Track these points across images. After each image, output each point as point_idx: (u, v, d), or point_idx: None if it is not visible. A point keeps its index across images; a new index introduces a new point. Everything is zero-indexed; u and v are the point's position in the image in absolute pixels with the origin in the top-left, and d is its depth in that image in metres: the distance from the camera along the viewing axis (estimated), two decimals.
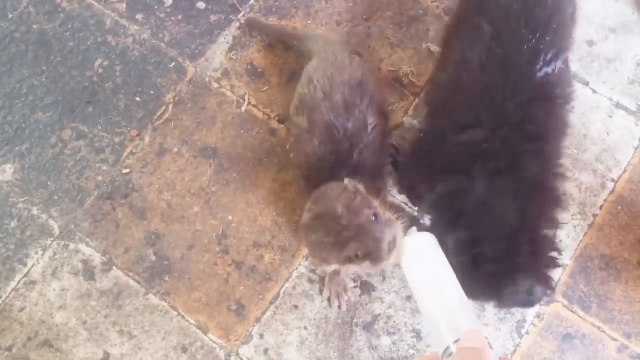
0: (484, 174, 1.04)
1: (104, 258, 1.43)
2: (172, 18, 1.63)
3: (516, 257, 1.03)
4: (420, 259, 1.01)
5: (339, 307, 1.37)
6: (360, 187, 1.04)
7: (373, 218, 1.00)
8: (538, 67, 1.07)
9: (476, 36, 1.13)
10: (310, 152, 1.22)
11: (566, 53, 1.13)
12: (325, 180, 1.10)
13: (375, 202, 1.03)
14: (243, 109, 1.54)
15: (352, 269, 1.11)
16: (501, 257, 1.02)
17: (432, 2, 1.62)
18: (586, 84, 1.53)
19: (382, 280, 1.39)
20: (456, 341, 0.81)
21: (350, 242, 1.00)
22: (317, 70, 1.30)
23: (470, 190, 1.04)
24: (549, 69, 1.08)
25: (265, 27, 1.59)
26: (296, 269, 1.41)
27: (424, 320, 1.08)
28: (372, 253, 0.99)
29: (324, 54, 1.36)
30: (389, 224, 1.01)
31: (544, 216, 1.08)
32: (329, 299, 1.37)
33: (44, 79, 1.58)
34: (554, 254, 1.09)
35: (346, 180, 1.05)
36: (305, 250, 1.42)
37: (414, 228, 1.05)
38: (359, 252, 1.00)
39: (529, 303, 1.08)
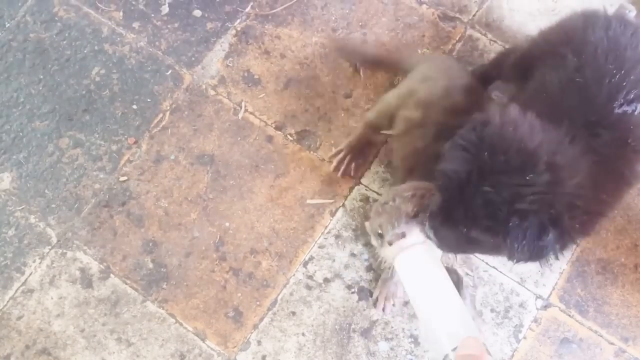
0: None
1: (101, 266, 1.43)
2: (168, 26, 1.64)
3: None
4: (417, 269, 1.03)
5: (383, 309, 1.37)
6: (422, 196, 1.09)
7: (411, 212, 1.07)
8: (618, 103, 1.07)
9: (559, 65, 1.14)
10: (421, 148, 1.22)
11: None
12: (427, 176, 1.12)
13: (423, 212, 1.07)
14: (240, 116, 1.55)
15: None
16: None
17: (427, 8, 1.63)
18: None
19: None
20: (454, 349, 0.81)
21: (379, 217, 1.10)
22: (435, 71, 1.32)
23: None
24: (628, 109, 1.07)
25: (355, 53, 1.57)
26: (294, 275, 1.41)
27: (422, 328, 1.08)
28: (382, 236, 1.09)
29: (439, 60, 1.41)
30: (412, 224, 1.06)
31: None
32: (377, 299, 1.37)
33: (41, 88, 1.58)
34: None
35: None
36: (302, 257, 1.42)
37: (413, 236, 1.06)
38: (374, 230, 1.12)
39: (538, 251, 0.96)
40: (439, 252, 1.09)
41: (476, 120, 1.02)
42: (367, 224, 1.19)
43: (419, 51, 1.58)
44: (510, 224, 0.93)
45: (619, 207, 1.18)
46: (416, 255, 1.05)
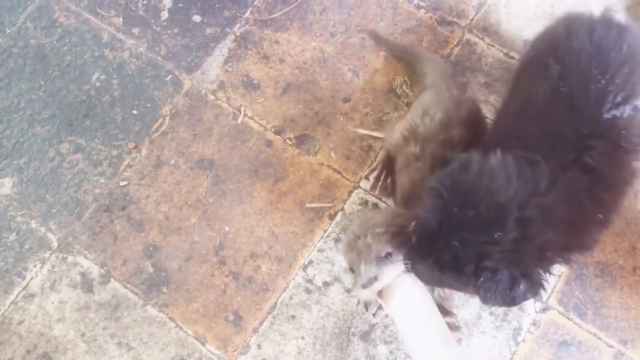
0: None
1: (102, 270, 1.44)
2: (168, 31, 1.65)
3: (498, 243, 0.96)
4: (408, 310, 1.06)
5: (374, 315, 1.37)
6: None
7: (382, 254, 1.08)
8: (606, 108, 1.06)
9: (544, 75, 1.13)
10: (418, 180, 1.25)
11: (637, 100, 1.10)
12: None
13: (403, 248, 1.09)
14: (239, 120, 1.55)
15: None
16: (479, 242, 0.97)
17: (425, 13, 1.64)
18: None
19: None
20: None
21: (350, 252, 1.12)
22: (433, 104, 1.33)
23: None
24: (617, 112, 1.07)
25: (386, 43, 1.60)
26: (293, 279, 1.42)
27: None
28: (354, 272, 1.12)
29: (439, 88, 1.39)
30: (383, 265, 1.08)
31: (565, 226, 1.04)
32: (370, 304, 1.36)
33: (42, 94, 1.59)
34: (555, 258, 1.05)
35: (412, 223, 1.10)
36: (302, 261, 1.43)
37: (384, 279, 1.09)
38: (347, 263, 1.15)
39: (511, 300, 0.99)
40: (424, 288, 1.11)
41: (455, 165, 1.04)
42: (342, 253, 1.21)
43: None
44: (482, 278, 0.96)
45: (620, 209, 1.18)
46: (406, 296, 1.08)
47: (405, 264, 1.07)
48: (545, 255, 1.01)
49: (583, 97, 1.07)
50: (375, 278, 1.08)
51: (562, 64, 1.11)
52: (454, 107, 1.30)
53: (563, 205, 1.00)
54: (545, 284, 1.02)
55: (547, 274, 1.03)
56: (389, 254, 1.09)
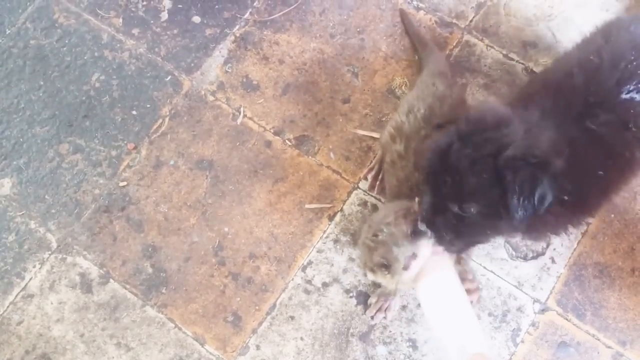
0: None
1: (101, 271, 1.44)
2: (168, 32, 1.65)
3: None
4: (436, 285, 1.06)
5: (372, 317, 1.37)
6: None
7: (408, 232, 1.08)
8: (627, 88, 1.08)
9: (584, 45, 1.18)
10: (402, 178, 1.25)
11: None
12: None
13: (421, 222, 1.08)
14: (239, 121, 1.56)
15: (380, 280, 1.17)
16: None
17: (425, 14, 1.64)
18: None
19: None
20: None
21: (376, 251, 1.12)
22: (418, 100, 1.33)
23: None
24: (637, 96, 1.09)
25: (409, 24, 1.61)
26: (292, 279, 1.42)
27: (437, 338, 1.10)
28: (389, 266, 1.11)
29: (425, 84, 1.39)
30: (416, 240, 1.08)
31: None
32: (370, 305, 1.38)
33: (41, 94, 1.59)
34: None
35: (416, 200, 1.11)
36: (301, 261, 1.43)
37: (424, 251, 1.09)
38: (377, 263, 1.12)
39: (539, 199, 0.97)
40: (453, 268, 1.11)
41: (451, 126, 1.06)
42: (358, 261, 1.20)
43: (416, 57, 1.59)
44: (506, 178, 0.95)
45: (621, 189, 1.18)
46: (440, 281, 1.08)
47: (421, 226, 1.07)
48: (558, 150, 1.00)
49: (609, 71, 1.09)
50: (414, 255, 1.08)
51: (607, 39, 1.14)
52: (438, 103, 1.30)
53: (563, 142, 1.02)
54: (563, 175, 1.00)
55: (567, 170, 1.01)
56: (412, 232, 1.09)
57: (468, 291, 1.30)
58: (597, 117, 1.06)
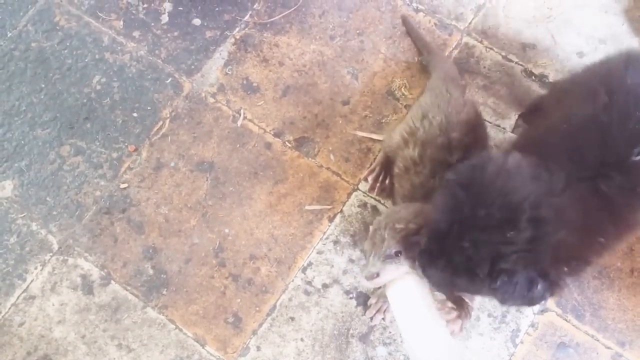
0: None
1: (102, 272, 1.44)
2: (168, 35, 1.66)
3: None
4: (406, 300, 1.07)
5: (371, 319, 1.38)
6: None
7: (393, 254, 1.11)
8: (637, 150, 1.05)
9: (590, 100, 1.12)
10: (418, 184, 1.26)
11: None
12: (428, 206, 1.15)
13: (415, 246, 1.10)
14: (239, 123, 1.56)
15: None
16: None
17: (424, 16, 1.64)
18: None
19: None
20: None
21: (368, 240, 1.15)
22: (433, 106, 1.33)
23: None
24: None
25: (411, 28, 1.62)
26: (292, 281, 1.42)
27: (409, 355, 1.11)
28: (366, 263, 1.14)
29: (438, 90, 1.38)
30: (393, 264, 1.11)
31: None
32: (370, 307, 1.39)
33: (42, 97, 1.60)
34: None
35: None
36: (301, 262, 1.44)
37: (384, 278, 1.11)
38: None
39: (529, 300, 0.98)
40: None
41: (475, 161, 1.04)
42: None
43: (416, 59, 1.60)
44: (498, 281, 0.95)
45: (617, 249, 1.19)
46: (406, 286, 1.09)
47: (416, 268, 1.08)
48: (559, 256, 0.99)
49: (619, 132, 1.06)
50: (377, 274, 1.10)
51: (611, 96, 1.10)
52: (454, 110, 1.31)
53: (573, 210, 1.00)
54: (562, 284, 1.01)
55: (566, 271, 1.02)
56: (398, 253, 1.10)
57: (448, 321, 1.30)
58: (611, 180, 1.04)
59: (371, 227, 1.17)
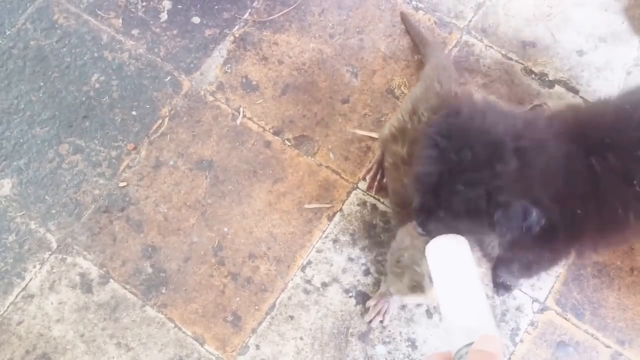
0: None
1: (101, 271, 1.44)
2: (167, 33, 1.65)
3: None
4: (447, 259, 1.01)
5: (370, 322, 1.37)
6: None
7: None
8: (636, 181, 1.05)
9: (625, 94, 1.15)
10: (407, 184, 1.20)
11: None
12: None
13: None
14: (238, 121, 1.56)
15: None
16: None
17: (423, 14, 1.64)
18: (576, 92, 1.55)
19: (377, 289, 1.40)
20: (471, 344, 0.79)
21: (403, 276, 1.14)
22: (422, 101, 1.28)
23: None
24: None
25: (409, 23, 1.60)
26: (292, 279, 1.42)
27: (442, 320, 1.07)
28: (419, 285, 1.12)
29: (429, 82, 1.33)
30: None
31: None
32: (369, 308, 1.38)
33: (41, 95, 1.60)
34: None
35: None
36: (300, 261, 1.43)
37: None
38: (409, 286, 1.14)
39: (527, 229, 0.98)
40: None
41: (448, 110, 1.05)
42: (392, 289, 1.20)
43: (416, 57, 1.59)
44: (496, 215, 0.96)
45: (603, 247, 1.18)
46: (449, 242, 1.04)
47: (417, 227, 1.06)
48: (550, 182, 0.99)
49: (637, 124, 1.06)
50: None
51: (631, 109, 1.10)
52: (442, 103, 1.26)
53: (557, 144, 1.01)
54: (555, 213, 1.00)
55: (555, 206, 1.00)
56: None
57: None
58: (604, 159, 1.03)
59: (389, 271, 1.18)
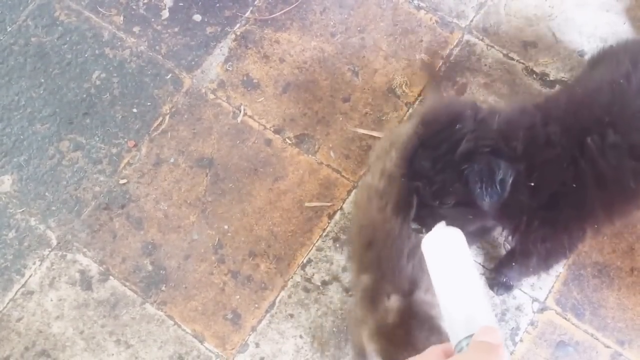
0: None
1: (101, 268, 1.44)
2: (168, 30, 1.65)
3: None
4: (444, 251, 1.00)
5: None
6: None
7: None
8: None
9: (615, 66, 1.17)
10: (379, 221, 1.14)
11: None
12: (385, 256, 1.09)
13: None
14: (239, 119, 1.56)
15: None
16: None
17: (425, 14, 1.64)
18: None
19: None
20: (471, 336, 0.79)
21: None
22: (408, 135, 1.18)
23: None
24: None
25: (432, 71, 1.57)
26: (292, 277, 1.42)
27: (441, 312, 1.04)
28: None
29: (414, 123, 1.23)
30: None
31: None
32: None
33: (42, 91, 1.60)
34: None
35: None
36: (301, 259, 1.43)
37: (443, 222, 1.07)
38: None
39: (500, 184, 1.00)
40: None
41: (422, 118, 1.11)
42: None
43: (417, 56, 1.59)
44: (465, 172, 0.99)
45: (611, 219, 1.19)
46: (445, 235, 1.04)
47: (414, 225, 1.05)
48: (508, 135, 1.02)
49: (634, 97, 1.09)
50: None
51: (635, 65, 1.13)
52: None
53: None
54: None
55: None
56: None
57: None
58: (605, 137, 1.05)
59: (350, 319, 1.14)
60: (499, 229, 1.39)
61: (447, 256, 0.97)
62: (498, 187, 1.00)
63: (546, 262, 1.27)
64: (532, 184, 1.03)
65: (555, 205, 1.07)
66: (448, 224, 1.05)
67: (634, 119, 1.07)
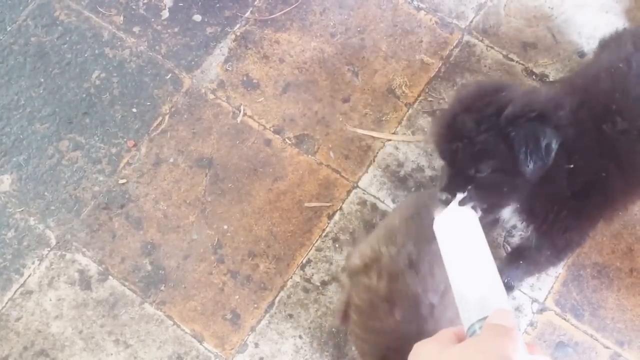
0: None
1: (100, 268, 1.44)
2: (168, 30, 1.65)
3: None
4: (457, 231, 0.97)
5: None
6: None
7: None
8: None
9: (616, 51, 1.19)
10: (388, 329, 1.02)
11: None
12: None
13: None
14: (239, 119, 1.56)
15: None
16: None
17: (425, 14, 1.64)
18: None
19: None
20: (484, 319, 0.77)
21: None
22: (401, 228, 1.09)
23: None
24: None
25: None
26: (291, 278, 1.42)
27: (453, 294, 0.99)
28: None
29: (411, 207, 1.16)
30: None
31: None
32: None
33: (41, 91, 1.60)
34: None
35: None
36: (300, 260, 1.43)
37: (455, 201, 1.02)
38: None
39: (546, 150, 0.98)
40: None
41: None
42: None
43: (417, 57, 1.59)
44: (511, 135, 0.97)
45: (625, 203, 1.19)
46: (458, 215, 1.00)
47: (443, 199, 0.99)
48: (559, 103, 1.02)
49: (636, 80, 1.10)
50: None
51: (637, 48, 1.15)
52: (425, 234, 1.03)
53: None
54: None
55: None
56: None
57: None
58: (615, 125, 1.06)
59: None
60: (498, 230, 1.40)
61: (460, 236, 0.93)
62: (543, 152, 0.98)
63: (559, 255, 1.26)
64: (572, 166, 1.02)
65: (586, 195, 1.07)
66: (477, 200, 1.03)
67: (637, 106, 1.08)
